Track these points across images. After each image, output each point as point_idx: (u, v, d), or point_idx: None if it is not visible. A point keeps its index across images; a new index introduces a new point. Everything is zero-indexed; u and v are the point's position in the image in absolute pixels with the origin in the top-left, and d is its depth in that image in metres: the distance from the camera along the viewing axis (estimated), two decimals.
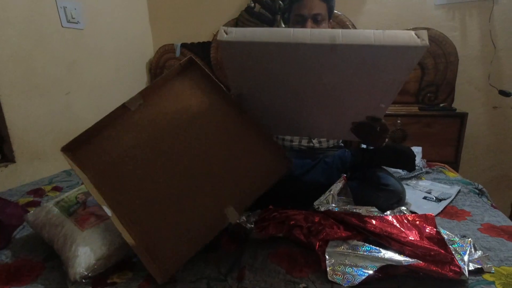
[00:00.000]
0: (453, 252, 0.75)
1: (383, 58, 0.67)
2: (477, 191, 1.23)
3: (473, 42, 1.69)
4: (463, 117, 1.60)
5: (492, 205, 1.14)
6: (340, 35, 0.64)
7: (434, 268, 0.70)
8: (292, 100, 0.86)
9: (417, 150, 1.47)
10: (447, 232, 0.86)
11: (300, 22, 1.13)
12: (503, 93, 1.60)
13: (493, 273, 0.75)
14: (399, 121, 1.67)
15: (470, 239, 0.82)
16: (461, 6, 1.67)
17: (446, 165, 1.53)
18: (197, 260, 0.82)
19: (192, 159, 0.78)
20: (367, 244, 0.79)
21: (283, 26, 1.88)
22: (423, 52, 0.65)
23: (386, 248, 0.80)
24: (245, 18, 1.96)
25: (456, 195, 1.20)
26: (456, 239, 0.82)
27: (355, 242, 0.80)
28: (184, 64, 0.88)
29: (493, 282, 0.73)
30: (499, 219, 1.03)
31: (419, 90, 1.78)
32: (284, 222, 0.89)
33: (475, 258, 0.77)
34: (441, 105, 1.74)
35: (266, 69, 0.75)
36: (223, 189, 0.76)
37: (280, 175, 0.79)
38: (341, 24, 1.79)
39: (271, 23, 1.91)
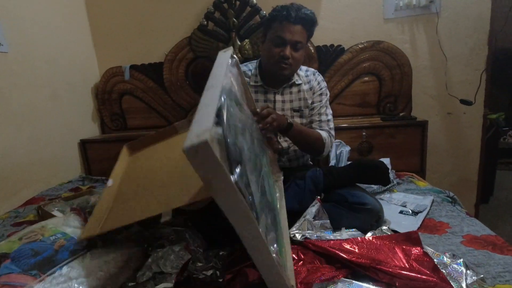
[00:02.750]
0: (448, 278, 0.67)
1: None
2: (450, 199, 1.22)
3: (423, 53, 1.76)
4: (424, 125, 1.62)
5: (467, 213, 1.11)
6: None
7: None
8: None
9: (386, 161, 1.43)
10: (436, 253, 0.79)
11: (280, 45, 1.13)
12: (464, 102, 1.66)
13: None
14: (364, 133, 1.65)
15: (462, 259, 0.75)
16: (408, 19, 1.74)
17: (414, 174, 1.51)
18: None
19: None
20: (354, 282, 0.68)
21: (238, 43, 1.82)
22: None
23: (375, 281, 0.70)
24: (198, 37, 1.86)
25: (431, 205, 1.16)
26: (447, 260, 0.75)
27: (341, 281, 0.68)
28: None
29: None
30: (478, 228, 0.99)
31: (379, 101, 1.80)
32: None
33: (471, 283, 0.69)
34: (401, 114, 1.76)
35: None
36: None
37: None
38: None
39: (226, 41, 1.84)
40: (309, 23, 1.13)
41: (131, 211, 0.85)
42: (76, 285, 0.70)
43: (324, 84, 1.30)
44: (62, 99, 1.80)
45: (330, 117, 1.27)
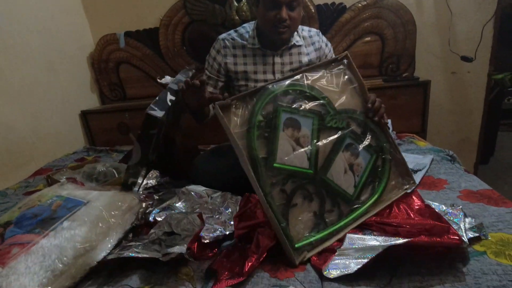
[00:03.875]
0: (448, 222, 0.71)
1: None
2: (449, 157, 1.23)
3: (429, 9, 1.68)
4: (426, 85, 1.59)
5: (465, 170, 1.13)
6: None
7: (434, 239, 0.64)
8: None
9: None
10: (435, 203, 0.82)
11: (274, 7, 1.05)
12: (465, 58, 1.62)
13: (489, 239, 0.71)
14: None
15: (460, 206, 0.78)
16: None
17: (414, 135, 1.52)
18: (168, 278, 0.70)
19: None
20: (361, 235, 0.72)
21: (235, 4, 1.74)
22: None
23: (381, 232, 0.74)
24: None
25: (430, 164, 1.18)
26: (446, 209, 0.78)
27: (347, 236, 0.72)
28: None
29: (485, 252, 0.69)
30: (475, 183, 1.02)
31: (381, 62, 1.75)
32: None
33: (470, 227, 0.73)
34: (404, 75, 1.73)
35: None
36: None
37: None
38: None
39: (223, 3, 1.76)
40: None
41: None
42: (78, 232, 0.73)
43: (330, 44, 1.29)
44: (58, 70, 1.77)
45: None
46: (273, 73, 1.19)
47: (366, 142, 0.90)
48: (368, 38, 1.72)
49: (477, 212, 0.84)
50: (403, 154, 1.26)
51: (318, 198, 0.82)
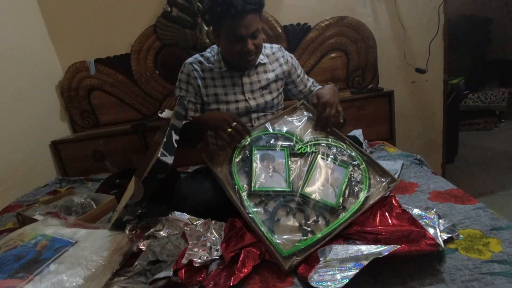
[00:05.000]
0: (424, 226, 0.75)
1: None
2: (418, 161, 1.32)
3: (385, 25, 1.83)
4: (390, 95, 1.71)
5: (432, 172, 1.22)
6: None
7: (413, 249, 0.68)
8: None
9: (358, 133, 1.52)
10: (409, 207, 0.88)
11: (240, 42, 1.07)
12: (419, 70, 1.76)
13: (461, 239, 0.77)
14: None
15: (434, 209, 0.84)
16: None
17: (384, 142, 1.61)
18: None
19: None
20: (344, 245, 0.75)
21: (205, 28, 1.79)
22: None
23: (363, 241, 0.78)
24: (164, 24, 1.82)
25: (401, 169, 1.26)
26: (422, 213, 0.83)
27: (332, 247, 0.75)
28: None
29: (456, 249, 0.75)
30: (442, 184, 1.10)
31: (348, 76, 1.86)
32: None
33: (444, 229, 0.78)
34: (369, 86, 1.84)
35: None
36: None
37: None
38: (264, 20, 1.76)
39: (193, 27, 1.80)
40: (259, 8, 1.06)
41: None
42: (65, 278, 0.69)
43: (292, 56, 1.35)
44: (26, 99, 1.71)
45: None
46: (243, 93, 1.22)
47: (337, 157, 0.99)
48: (333, 54, 1.83)
49: (446, 211, 0.91)
50: None
51: (300, 212, 0.87)
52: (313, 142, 1.03)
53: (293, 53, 1.42)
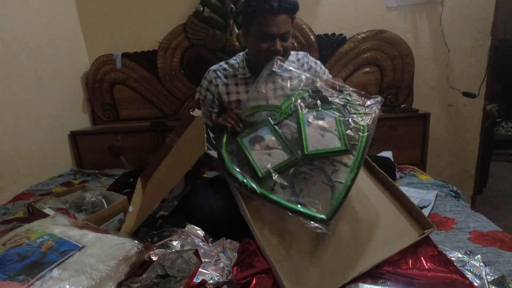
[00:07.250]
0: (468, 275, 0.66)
1: None
2: (453, 193, 1.20)
3: (426, 43, 1.72)
4: (425, 117, 1.60)
5: (471, 208, 1.10)
6: None
7: None
8: None
9: (388, 154, 1.42)
10: (448, 249, 0.78)
11: (268, 40, 1.07)
12: (467, 94, 1.64)
13: None
14: None
15: (479, 255, 0.74)
16: (412, 8, 1.69)
17: (415, 167, 1.50)
18: None
19: None
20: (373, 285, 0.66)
21: (236, 31, 1.74)
22: None
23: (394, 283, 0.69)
24: (194, 24, 1.78)
25: (435, 200, 1.15)
26: (465, 257, 0.73)
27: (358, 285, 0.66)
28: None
29: None
30: (484, 223, 0.98)
31: (380, 93, 1.76)
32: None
33: (492, 281, 0.68)
34: (402, 106, 1.73)
35: None
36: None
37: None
38: (298, 28, 1.70)
39: (223, 29, 1.76)
40: (293, 10, 1.07)
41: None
42: (67, 286, 0.65)
43: (318, 61, 1.30)
44: (49, 88, 1.71)
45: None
46: (267, 99, 1.16)
47: (317, 104, 0.95)
48: (367, 69, 1.74)
49: (491, 258, 0.80)
50: (405, 189, 1.26)
51: (317, 171, 0.84)
52: (291, 102, 0.97)
53: (324, 64, 1.35)
